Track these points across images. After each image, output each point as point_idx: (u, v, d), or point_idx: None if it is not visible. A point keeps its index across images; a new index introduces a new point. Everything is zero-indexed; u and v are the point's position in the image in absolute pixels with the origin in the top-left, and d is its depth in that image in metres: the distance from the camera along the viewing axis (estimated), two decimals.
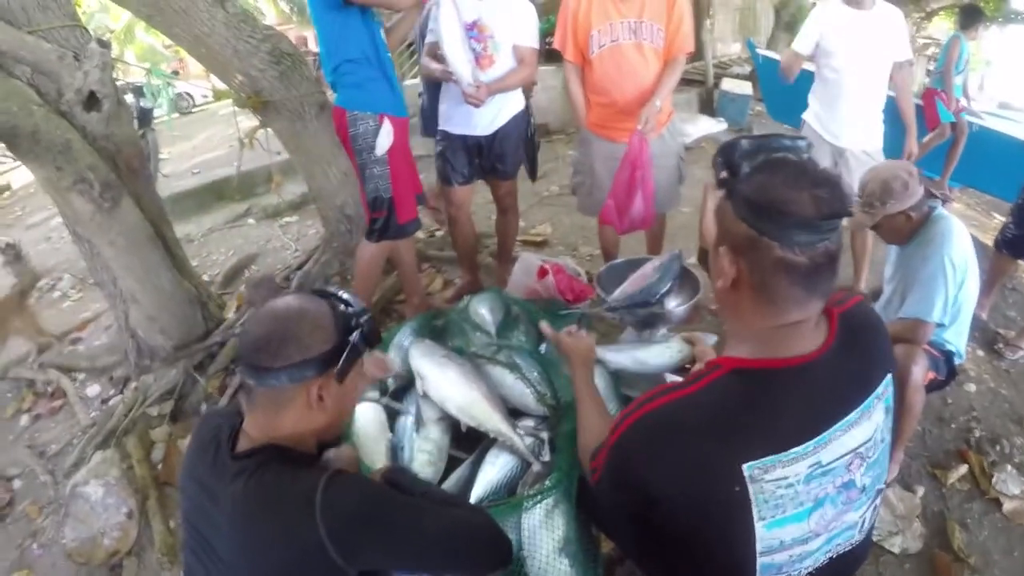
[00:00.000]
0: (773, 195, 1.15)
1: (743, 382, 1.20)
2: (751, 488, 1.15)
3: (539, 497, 1.82)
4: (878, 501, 1.34)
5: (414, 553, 1.29)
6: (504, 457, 2.04)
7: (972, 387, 3.10)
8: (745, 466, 1.15)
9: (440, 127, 3.51)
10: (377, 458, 2.08)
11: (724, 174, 2.11)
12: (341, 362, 1.30)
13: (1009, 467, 2.68)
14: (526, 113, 3.59)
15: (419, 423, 2.18)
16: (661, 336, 2.42)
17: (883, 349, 1.33)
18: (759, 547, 1.20)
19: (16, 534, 2.92)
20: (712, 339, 2.24)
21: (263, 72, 3.77)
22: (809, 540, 1.23)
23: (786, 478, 1.17)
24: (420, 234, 4.52)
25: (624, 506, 1.37)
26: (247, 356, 1.29)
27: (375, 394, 2.33)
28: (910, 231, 2.53)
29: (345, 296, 1.39)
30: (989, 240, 4.08)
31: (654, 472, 1.22)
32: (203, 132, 12.06)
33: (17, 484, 3.18)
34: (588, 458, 1.47)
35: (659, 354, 2.22)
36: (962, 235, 2.45)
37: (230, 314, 3.81)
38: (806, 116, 3.70)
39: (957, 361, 2.59)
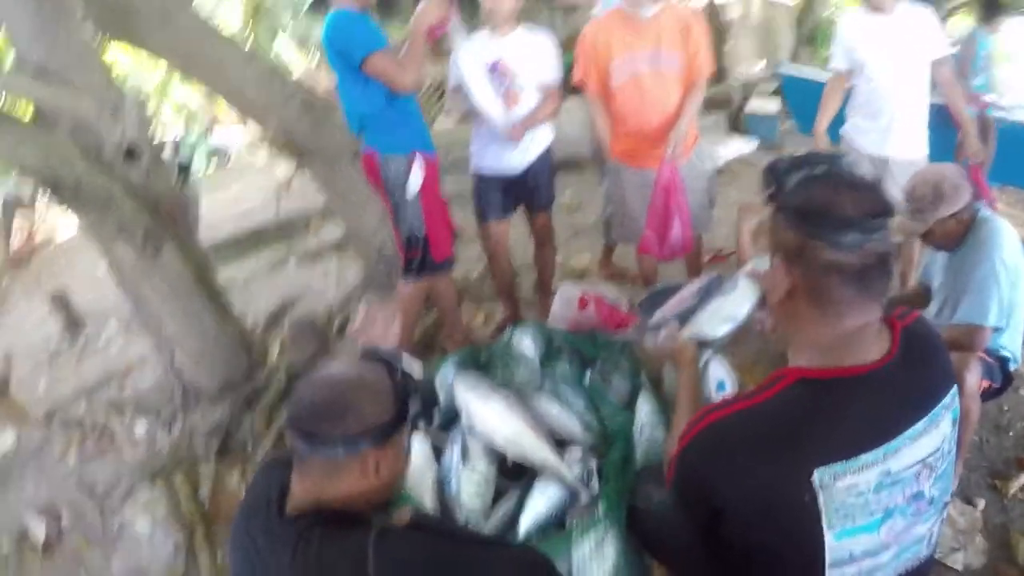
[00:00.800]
0: (818, 200, 1.20)
1: (809, 390, 1.21)
2: (821, 496, 1.15)
3: (589, 530, 1.80)
4: (944, 514, 1.34)
5: None
6: (552, 488, 2.03)
7: None
8: (816, 472, 1.15)
9: (472, 167, 3.55)
10: (424, 491, 2.08)
11: (771, 190, 2.20)
12: (397, 435, 1.28)
13: None
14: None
15: (465, 456, 2.17)
16: (728, 286, 2.31)
17: (945, 363, 1.33)
18: (828, 559, 1.19)
19: (65, 568, 2.98)
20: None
21: (297, 121, 3.88)
22: (880, 553, 1.22)
23: (856, 486, 1.17)
24: (459, 271, 4.56)
25: (690, 518, 1.37)
26: (299, 423, 1.25)
27: (421, 425, 2.33)
28: (960, 235, 2.45)
29: (400, 363, 1.34)
30: None
31: (720, 483, 1.22)
32: (240, 181, 12.31)
33: (66, 520, 3.24)
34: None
35: (740, 301, 2.19)
36: (1011, 235, 2.38)
37: (273, 356, 3.86)
38: (844, 130, 3.60)
39: (1012, 367, 2.50)
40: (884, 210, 1.18)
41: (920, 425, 1.21)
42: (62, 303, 5.60)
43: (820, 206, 1.19)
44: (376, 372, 1.30)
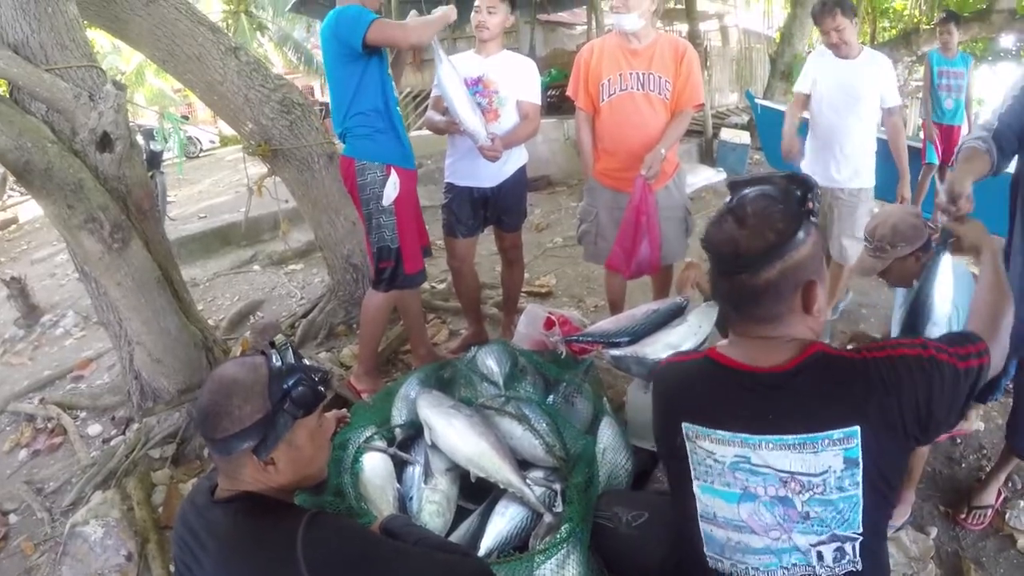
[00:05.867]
0: (710, 229, 1.40)
1: (708, 366, 1.47)
2: (688, 445, 1.43)
3: (552, 551, 1.81)
4: (848, 548, 1.34)
5: None
6: (514, 508, 2.04)
7: (981, 425, 3.07)
8: (683, 424, 1.43)
9: (446, 179, 3.56)
10: (383, 507, 2.07)
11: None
12: (276, 430, 1.30)
13: (1022, 503, 2.64)
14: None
15: (427, 473, 2.18)
16: (678, 320, 2.54)
17: (849, 407, 1.30)
18: (699, 507, 1.43)
19: (10, 570, 2.84)
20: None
21: (273, 121, 3.86)
22: (743, 531, 1.38)
23: (713, 453, 1.39)
24: (425, 284, 4.54)
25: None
26: (197, 426, 1.32)
27: (382, 444, 2.33)
28: (917, 273, 2.54)
29: (283, 355, 1.36)
30: None
31: (654, 413, 1.57)
32: (209, 177, 12.17)
33: (13, 519, 3.12)
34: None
35: (686, 335, 2.45)
36: (964, 275, 2.47)
37: None
38: (803, 164, 3.86)
39: None
40: (748, 251, 1.30)
41: (789, 439, 1.31)
42: (20, 288, 5.47)
43: (707, 234, 1.39)
44: (252, 371, 1.32)
